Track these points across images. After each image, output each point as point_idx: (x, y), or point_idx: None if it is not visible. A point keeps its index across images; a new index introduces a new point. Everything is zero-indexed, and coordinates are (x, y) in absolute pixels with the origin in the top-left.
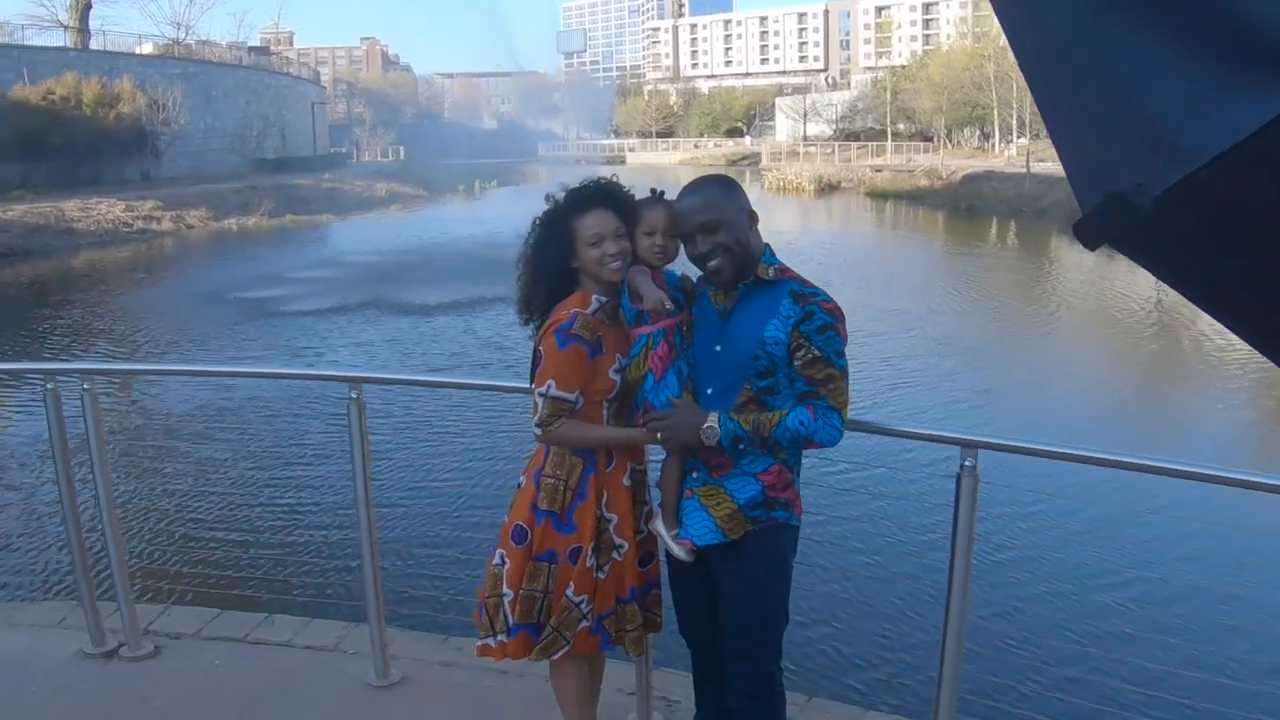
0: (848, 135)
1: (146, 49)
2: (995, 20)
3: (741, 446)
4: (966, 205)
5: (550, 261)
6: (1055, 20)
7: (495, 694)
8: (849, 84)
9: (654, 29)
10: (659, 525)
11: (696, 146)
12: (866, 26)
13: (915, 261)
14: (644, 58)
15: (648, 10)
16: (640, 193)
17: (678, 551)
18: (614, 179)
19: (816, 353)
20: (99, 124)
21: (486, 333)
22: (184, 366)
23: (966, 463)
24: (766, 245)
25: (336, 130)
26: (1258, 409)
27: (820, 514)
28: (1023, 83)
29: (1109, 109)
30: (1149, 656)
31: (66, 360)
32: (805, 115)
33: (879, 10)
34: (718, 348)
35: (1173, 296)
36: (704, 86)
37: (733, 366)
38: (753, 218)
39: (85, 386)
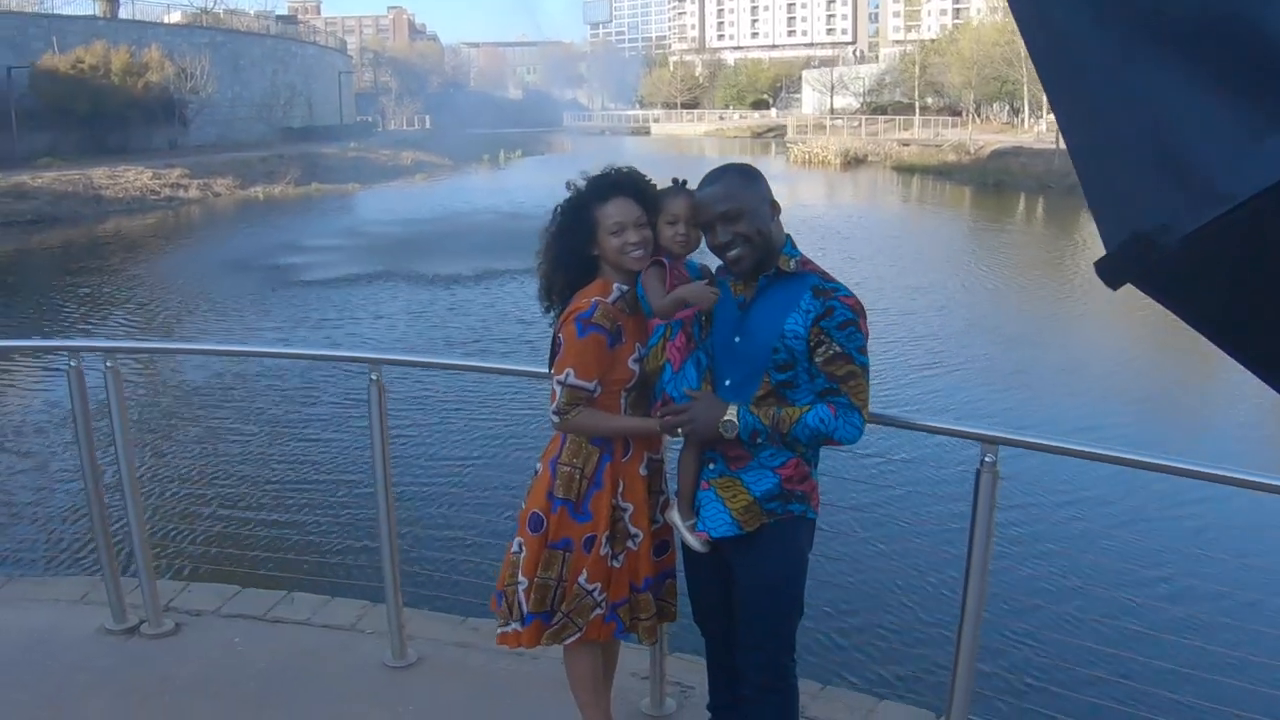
0: (875, 109)
1: (175, 18)
2: None
3: (759, 441)
4: (994, 181)
5: (571, 249)
6: (1083, 52)
7: (511, 676)
8: (877, 57)
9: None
10: (674, 515)
11: (721, 118)
12: None
13: (944, 237)
14: (670, 29)
15: None
16: (663, 168)
17: (692, 542)
18: (635, 169)
19: (838, 349)
20: (127, 92)
21: (507, 307)
22: (207, 346)
23: (986, 458)
24: (788, 236)
25: (363, 99)
26: None
27: (838, 504)
28: None
29: (1137, 145)
30: (1166, 656)
31: (91, 338)
32: (832, 88)
33: None
34: (737, 339)
35: None
36: (730, 58)
37: (752, 358)
38: (775, 207)
39: (108, 364)
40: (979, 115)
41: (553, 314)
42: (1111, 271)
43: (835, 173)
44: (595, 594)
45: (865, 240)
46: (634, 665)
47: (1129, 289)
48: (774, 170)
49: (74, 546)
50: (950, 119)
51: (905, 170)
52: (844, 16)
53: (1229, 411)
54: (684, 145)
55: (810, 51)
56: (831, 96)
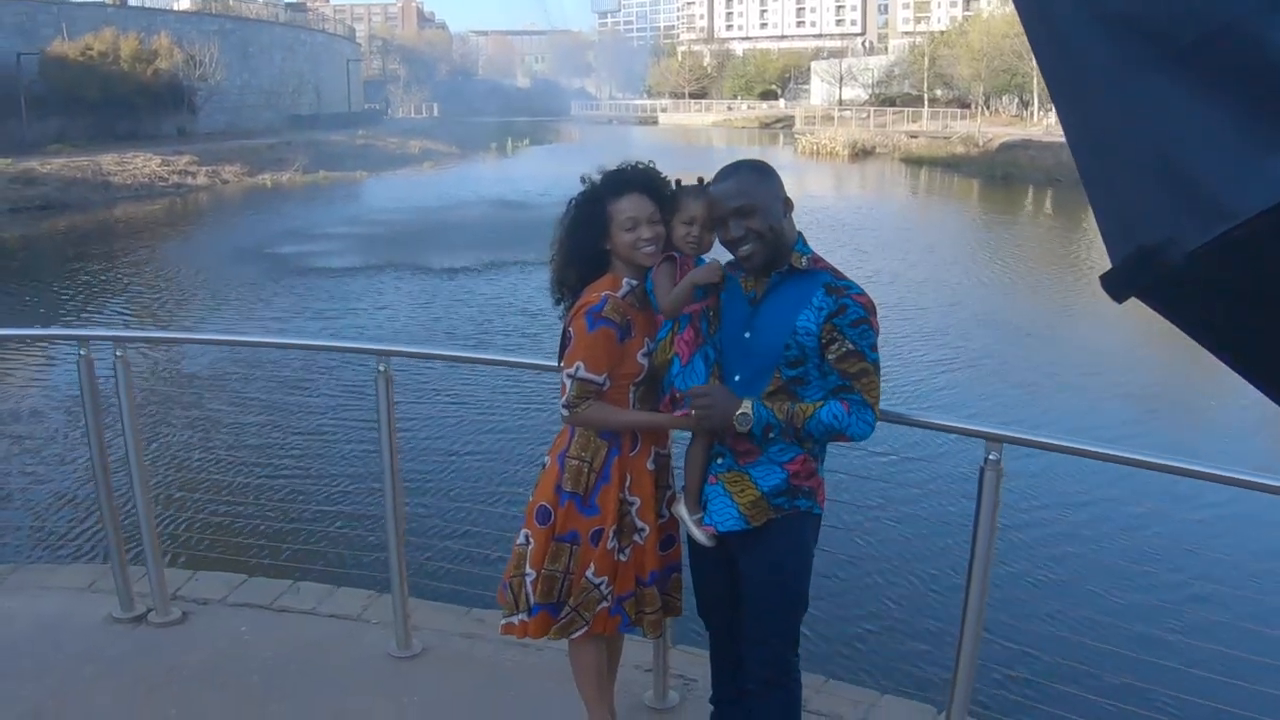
0: (883, 100)
1: (184, 5)
2: None
3: (772, 435)
4: (1003, 173)
5: (584, 243)
6: (1090, 67)
7: (516, 667)
8: (886, 49)
9: None
10: (681, 509)
11: (730, 109)
12: None
13: (954, 230)
14: (678, 18)
15: None
16: (670, 158)
17: (699, 536)
18: (651, 164)
19: (850, 346)
20: (136, 79)
21: (511, 297)
22: (216, 336)
23: (991, 456)
24: (799, 234)
25: (371, 87)
26: None
27: (843, 500)
28: None
29: (1143, 160)
30: (1168, 655)
31: (100, 327)
32: (840, 79)
33: None
34: (747, 335)
35: None
36: (738, 48)
37: (762, 354)
38: (788, 204)
39: (118, 354)
40: (988, 108)
41: (564, 306)
42: (1116, 285)
43: (843, 164)
44: (602, 587)
45: (873, 232)
46: (637, 658)
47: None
48: (782, 161)
49: (82, 534)
50: (959, 111)
51: (913, 162)
52: (853, 8)
53: (1238, 411)
54: (692, 135)
55: (819, 43)
56: (840, 88)
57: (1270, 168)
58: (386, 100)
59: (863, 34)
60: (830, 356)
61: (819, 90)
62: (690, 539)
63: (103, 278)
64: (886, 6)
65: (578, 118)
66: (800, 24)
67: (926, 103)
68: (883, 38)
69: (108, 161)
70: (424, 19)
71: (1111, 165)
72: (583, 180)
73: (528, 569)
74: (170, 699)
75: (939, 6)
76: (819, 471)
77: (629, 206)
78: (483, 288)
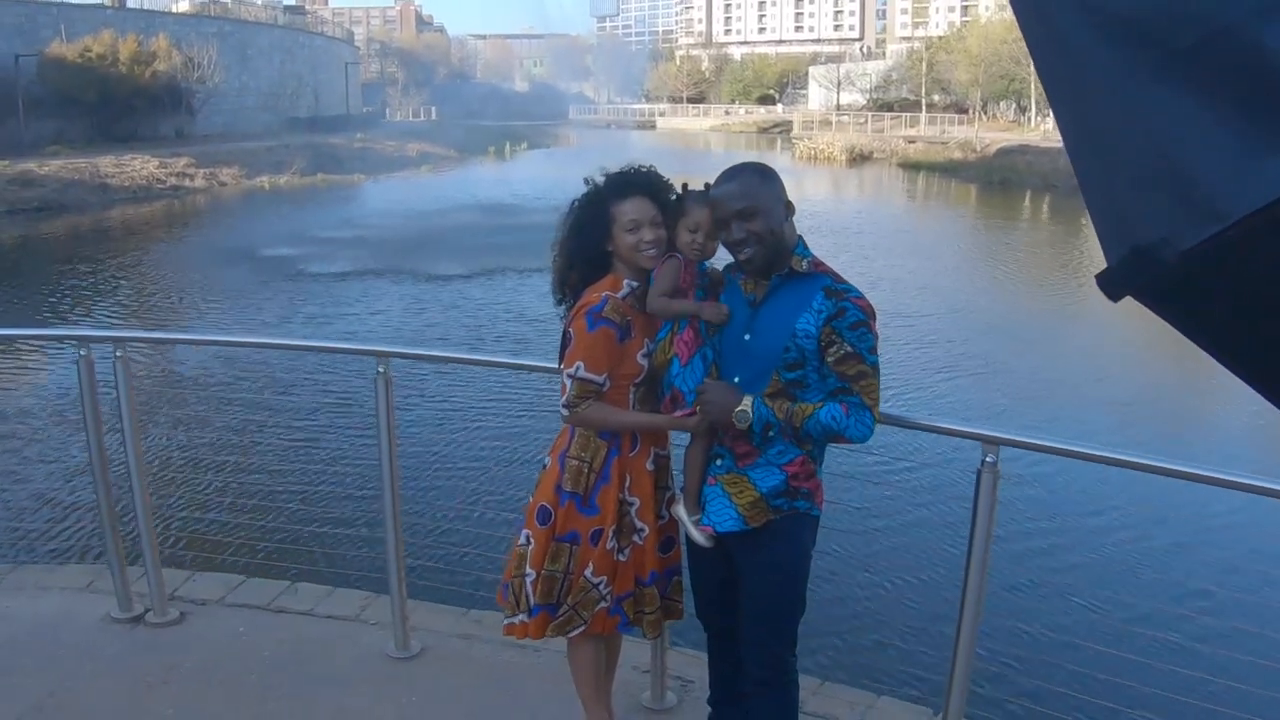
0: (881, 105)
1: (183, 7)
2: None
3: (772, 434)
4: (1000, 178)
5: (587, 244)
6: (1087, 68)
7: (514, 668)
8: (884, 54)
9: None
10: (680, 510)
11: (727, 113)
12: None
13: (953, 235)
14: (677, 23)
15: None
16: (668, 162)
17: (698, 537)
18: (653, 168)
19: (849, 349)
20: (135, 81)
21: (505, 303)
22: (216, 337)
23: (988, 458)
24: (800, 237)
25: (369, 90)
26: None
27: (841, 502)
28: None
29: (1138, 160)
30: (1164, 657)
31: (99, 327)
32: (839, 84)
33: None
34: (747, 337)
35: None
36: (736, 53)
37: (762, 356)
38: (789, 208)
39: (118, 354)
40: (985, 113)
41: (565, 306)
42: (1111, 284)
43: (841, 169)
44: (601, 587)
45: (872, 237)
46: (635, 658)
47: (1128, 299)
48: (779, 166)
49: (80, 534)
50: (957, 116)
51: (911, 167)
52: (851, 13)
53: (1236, 413)
54: (689, 140)
55: (817, 47)
56: (838, 92)
57: (1264, 169)
58: (383, 103)
59: (861, 39)
60: (829, 359)
61: (817, 95)
62: (689, 540)
63: (100, 279)
64: (884, 11)
65: (576, 122)
66: (798, 29)
67: (924, 108)
68: (881, 43)
69: (105, 163)
70: (422, 22)
71: (1108, 166)
72: (586, 181)
73: (528, 569)
74: (168, 699)
75: (937, 12)
76: (818, 473)
77: (632, 209)
78: (477, 293)
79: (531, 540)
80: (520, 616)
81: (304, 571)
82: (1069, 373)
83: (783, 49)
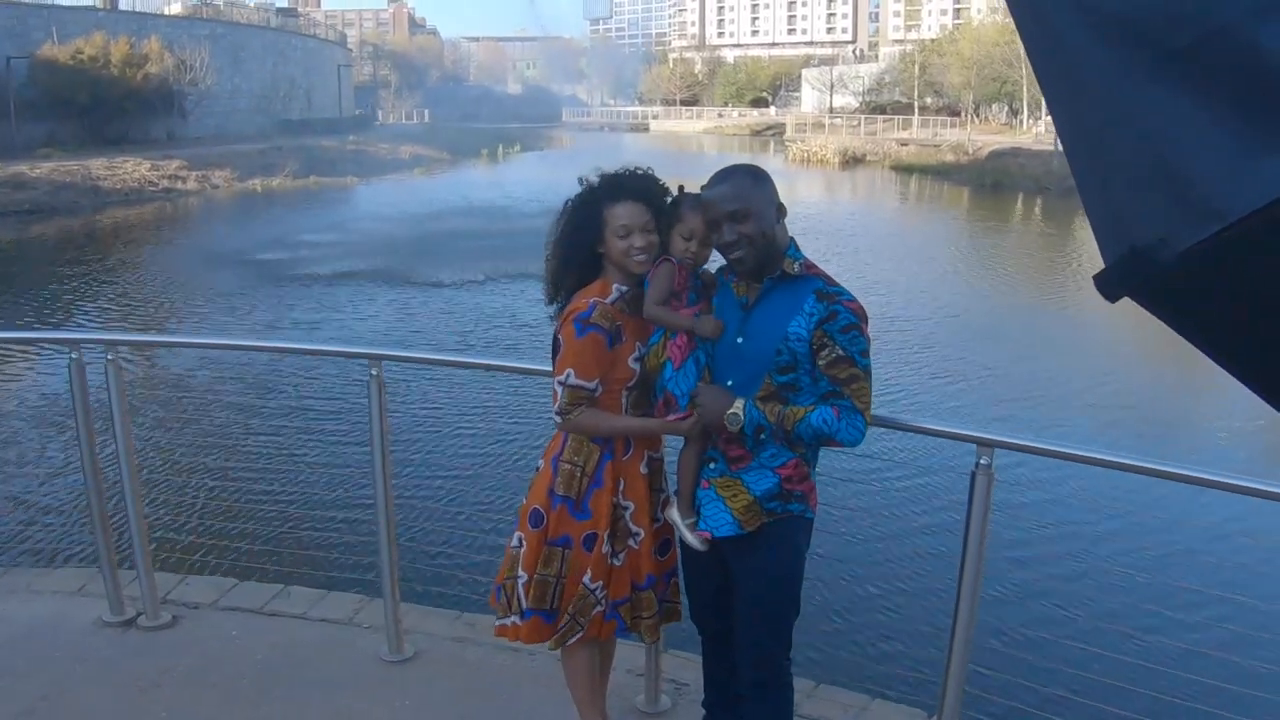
0: (874, 108)
1: (175, 9)
2: None
3: (763, 437)
4: (993, 181)
5: (579, 246)
6: (1084, 66)
7: (507, 671)
8: (877, 56)
9: None
10: (674, 514)
11: (721, 116)
12: None
13: (946, 237)
14: (670, 25)
15: None
16: (661, 165)
17: (692, 541)
18: (650, 170)
19: (840, 352)
20: (126, 84)
21: (501, 304)
22: (208, 340)
23: (982, 460)
24: (792, 239)
25: (362, 92)
26: None
27: (835, 505)
28: None
29: (1138, 161)
30: (1157, 659)
31: (91, 330)
32: (831, 87)
33: None
34: (739, 340)
35: None
36: (730, 56)
37: (754, 360)
38: (781, 210)
39: (109, 357)
40: (978, 116)
41: (557, 306)
42: (1109, 285)
43: (834, 172)
44: (597, 592)
45: (865, 239)
46: (630, 662)
47: (1125, 300)
48: (772, 168)
49: (72, 538)
50: (949, 119)
51: (903, 170)
52: (844, 15)
53: (1228, 417)
54: (683, 142)
55: (810, 50)
56: (831, 95)
57: (1262, 168)
58: (373, 106)
59: (854, 42)
60: (821, 362)
61: (810, 98)
62: (683, 544)
63: (91, 282)
64: (877, 14)
65: (569, 124)
66: (791, 31)
67: (917, 110)
68: (873, 45)
69: (97, 166)
70: (415, 25)
71: (1105, 166)
72: (580, 182)
73: (520, 571)
74: (161, 702)
75: (929, 14)
76: (811, 476)
77: (623, 214)
78: (469, 297)
79: (524, 542)
80: (512, 618)
81: (297, 575)
82: (1061, 375)
83: (776, 52)
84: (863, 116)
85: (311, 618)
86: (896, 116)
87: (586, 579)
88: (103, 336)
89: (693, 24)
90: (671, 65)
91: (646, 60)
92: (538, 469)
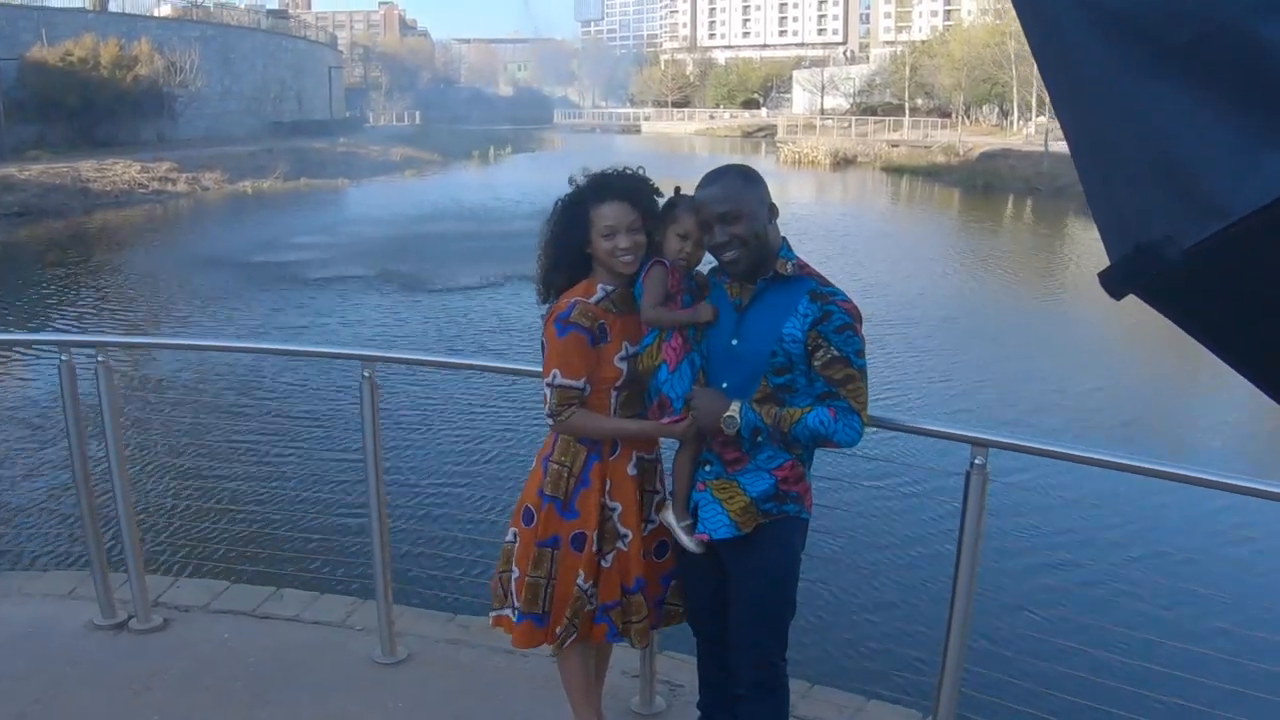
0: (865, 109)
1: (165, 11)
2: None
3: (760, 439)
4: (983, 183)
5: (568, 245)
6: (1088, 65)
7: (501, 673)
8: (868, 58)
9: None
10: (670, 516)
11: (712, 117)
12: (887, 0)
13: (939, 239)
14: (661, 27)
15: None
16: (653, 166)
17: (688, 543)
18: (641, 170)
19: (835, 353)
20: (116, 85)
21: (494, 307)
22: (199, 341)
23: (976, 460)
24: (784, 240)
25: (353, 94)
26: None
27: (830, 505)
28: None
29: (1141, 158)
30: (1153, 658)
31: (81, 332)
32: (823, 88)
33: None
34: (734, 342)
35: None
36: (721, 57)
37: (750, 362)
38: (773, 211)
39: (100, 359)
40: (968, 117)
41: (549, 306)
42: (1114, 282)
43: (825, 173)
44: (589, 591)
45: (859, 240)
46: (625, 663)
47: (1130, 298)
48: (764, 170)
49: (62, 541)
50: (940, 120)
51: (894, 171)
52: (835, 17)
53: (1224, 415)
54: (674, 144)
55: (801, 51)
56: (822, 97)
57: (1266, 165)
58: (363, 108)
59: (844, 43)
60: (816, 363)
61: (801, 99)
62: (678, 546)
63: (81, 285)
64: (868, 16)
65: (560, 126)
66: (783, 33)
67: (907, 112)
68: (864, 47)
69: (87, 168)
70: (406, 27)
71: (1109, 164)
72: (570, 181)
73: (514, 566)
74: (152, 706)
75: (920, 16)
76: (806, 476)
77: (609, 214)
78: (459, 299)
79: (517, 539)
80: (507, 610)
81: (289, 577)
82: (1053, 375)
83: (767, 53)
84: (854, 118)
85: (304, 620)
86: (887, 118)
87: (580, 579)
88: (93, 338)
89: (684, 25)
90: (663, 67)
91: (638, 62)
92: (532, 468)
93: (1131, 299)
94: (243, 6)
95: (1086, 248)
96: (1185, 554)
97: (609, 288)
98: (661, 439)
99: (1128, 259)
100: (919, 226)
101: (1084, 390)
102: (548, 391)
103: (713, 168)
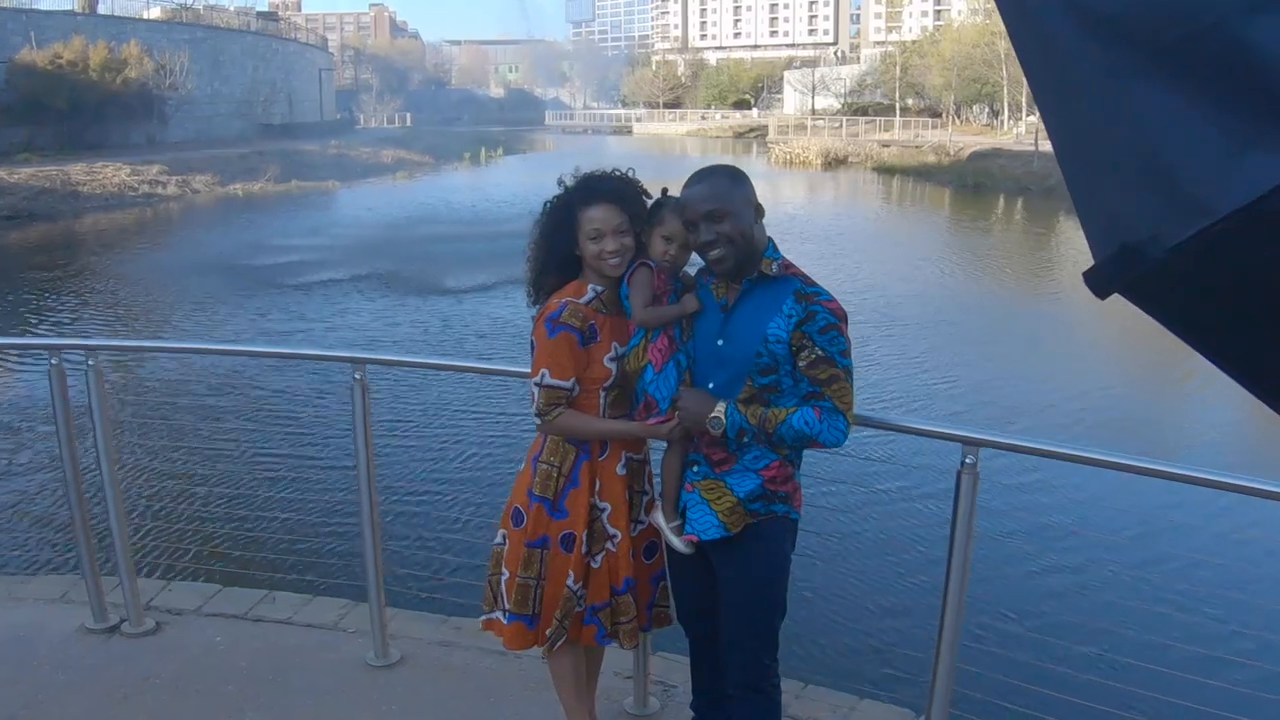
0: (856, 110)
1: (154, 14)
2: None
3: (746, 440)
4: (974, 182)
5: (557, 247)
6: (1073, 66)
7: (494, 675)
8: (858, 58)
9: None
10: (659, 517)
11: (703, 118)
12: (877, 0)
13: (924, 237)
14: (653, 28)
15: None
16: (644, 167)
17: (677, 544)
18: (630, 173)
19: (820, 353)
20: (106, 88)
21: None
22: (190, 344)
23: (967, 459)
24: (770, 240)
25: (344, 96)
26: None
27: (821, 505)
28: None
29: (1126, 158)
30: (1146, 655)
31: (72, 336)
32: (813, 89)
33: None
34: (720, 342)
35: None
36: (712, 58)
37: (735, 362)
38: (759, 210)
39: (90, 363)
40: (959, 117)
41: (539, 307)
42: (1099, 281)
43: (816, 173)
44: (578, 592)
45: (851, 240)
46: (617, 664)
47: (1114, 297)
48: (755, 170)
49: (54, 545)
50: (930, 120)
51: (885, 171)
52: (826, 17)
53: (1211, 415)
54: (666, 145)
55: (792, 52)
56: (813, 97)
57: (1249, 164)
58: (352, 110)
59: (835, 43)
60: (801, 364)
61: (792, 100)
62: (668, 547)
63: (71, 288)
64: (858, 16)
65: (552, 127)
66: (774, 33)
67: (898, 112)
68: (855, 47)
69: (77, 171)
70: (397, 28)
71: (1094, 163)
72: (559, 183)
73: (503, 568)
74: (145, 709)
75: (910, 16)
76: (795, 476)
77: (596, 216)
78: (450, 302)
79: (506, 540)
80: (497, 614)
81: (281, 580)
82: (1043, 375)
83: (758, 54)
84: (844, 118)
85: (296, 623)
86: (878, 118)
87: (569, 580)
88: (84, 342)
89: (675, 26)
90: (654, 68)
91: (629, 63)
92: (521, 468)
93: (1118, 298)
94: (232, 9)
95: (1077, 247)
96: (1177, 553)
97: (599, 288)
98: (650, 439)
99: (1112, 258)
100: (910, 226)
101: (1073, 390)
102: (535, 391)
103: (700, 168)
